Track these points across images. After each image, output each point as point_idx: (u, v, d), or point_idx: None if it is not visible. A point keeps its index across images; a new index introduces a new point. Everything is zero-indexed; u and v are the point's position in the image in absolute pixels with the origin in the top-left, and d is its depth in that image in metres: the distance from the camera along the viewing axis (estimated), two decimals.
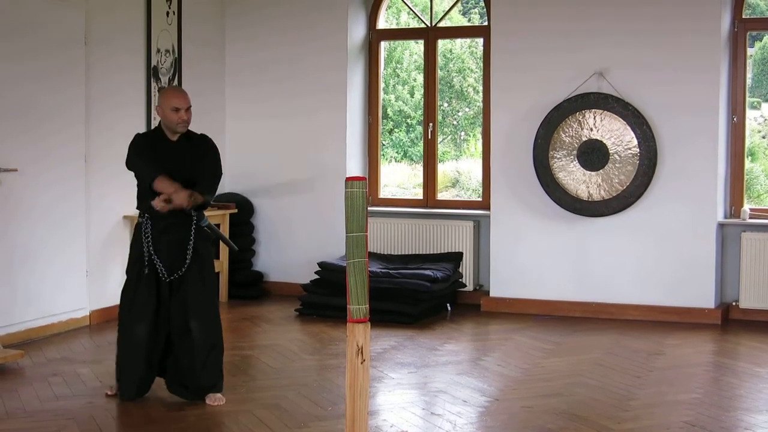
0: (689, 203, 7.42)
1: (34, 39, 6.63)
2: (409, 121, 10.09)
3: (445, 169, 9.37)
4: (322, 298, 7.63)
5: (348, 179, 3.46)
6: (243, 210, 8.56)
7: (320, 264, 7.86)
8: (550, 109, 7.63)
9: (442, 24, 8.61)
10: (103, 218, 7.32)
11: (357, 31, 8.58)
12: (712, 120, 7.36)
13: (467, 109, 10.00)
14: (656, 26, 7.45)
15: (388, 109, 9.92)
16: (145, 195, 5.18)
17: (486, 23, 8.30)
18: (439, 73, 8.77)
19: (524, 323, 7.41)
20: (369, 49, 8.73)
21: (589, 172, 7.56)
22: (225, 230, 8.29)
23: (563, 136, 7.60)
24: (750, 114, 8.02)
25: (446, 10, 8.73)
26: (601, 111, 7.50)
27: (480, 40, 8.80)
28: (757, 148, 8.52)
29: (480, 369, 5.99)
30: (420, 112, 9.14)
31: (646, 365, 6.05)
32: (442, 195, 8.84)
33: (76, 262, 7.05)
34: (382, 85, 8.87)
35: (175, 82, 8.03)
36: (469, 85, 9.87)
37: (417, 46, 9.73)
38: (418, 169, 8.97)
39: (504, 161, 7.91)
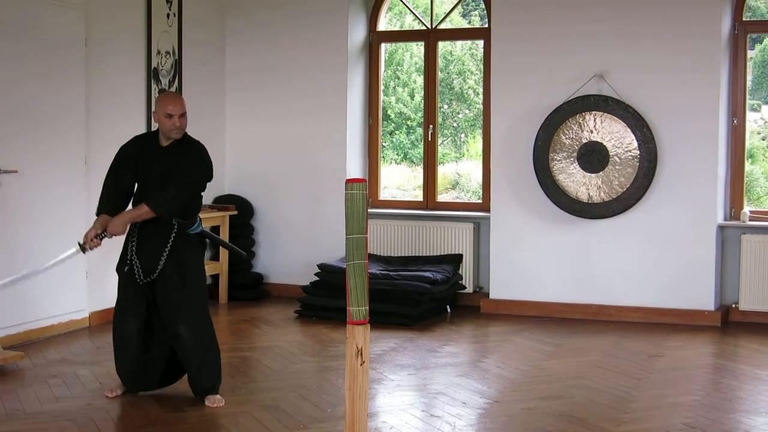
0: (689, 205, 7.43)
1: (35, 41, 6.63)
2: (409, 123, 10.10)
3: (445, 171, 9.38)
4: (322, 300, 7.63)
5: (348, 181, 3.46)
6: (243, 212, 8.57)
7: (320, 266, 7.86)
8: (550, 111, 7.63)
9: (442, 26, 8.62)
10: None
11: (357, 33, 8.58)
12: (712, 122, 7.36)
13: (467, 111, 10.00)
14: (656, 28, 7.46)
15: (389, 111, 9.92)
16: (141, 197, 5.21)
17: (486, 25, 8.30)
18: (440, 75, 8.77)
19: (524, 325, 7.41)
20: (369, 51, 8.73)
21: (589, 174, 7.56)
22: (225, 232, 8.29)
23: (563, 138, 7.61)
24: (750, 116, 8.03)
25: (447, 12, 8.73)
26: (601, 113, 7.50)
27: (480, 42, 8.81)
28: (757, 151, 8.53)
29: (479, 371, 5.99)
30: (420, 114, 9.14)
31: (645, 367, 6.05)
32: (442, 197, 8.84)
33: (76, 263, 7.04)
34: (382, 87, 8.87)
35: (176, 84, 8.03)
36: (469, 87, 9.87)
37: (417, 48, 9.74)
38: (418, 171, 8.97)
39: (504, 163, 7.91)
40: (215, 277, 8.32)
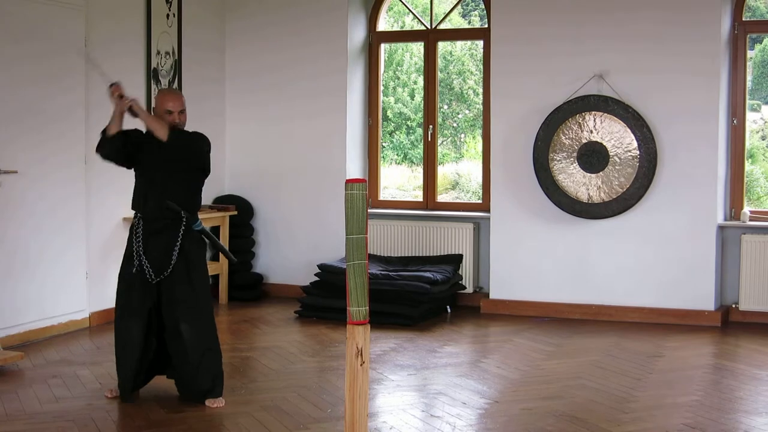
0: (689, 205, 7.43)
1: (35, 42, 6.63)
2: (409, 123, 10.10)
3: (445, 172, 9.38)
4: (322, 300, 7.63)
5: (348, 181, 3.46)
6: (243, 212, 8.57)
7: (320, 266, 7.86)
8: (550, 111, 7.63)
9: (442, 26, 8.62)
10: (103, 220, 7.32)
11: (357, 34, 8.58)
12: (712, 122, 7.36)
13: (467, 112, 10.00)
14: (656, 29, 7.46)
15: (388, 112, 9.92)
16: (135, 194, 5.24)
17: (486, 26, 8.30)
18: (439, 75, 8.77)
19: (524, 325, 7.41)
20: (369, 52, 8.73)
21: (589, 175, 7.56)
22: (225, 232, 8.29)
23: (563, 138, 7.61)
24: (750, 116, 8.03)
25: (446, 12, 8.73)
26: (601, 113, 7.50)
27: (480, 43, 8.81)
28: (757, 151, 8.53)
29: (479, 371, 5.99)
30: (420, 114, 9.14)
31: (645, 367, 6.05)
32: (442, 197, 8.84)
33: (76, 264, 7.05)
34: (382, 87, 8.87)
35: (175, 85, 8.04)
36: (469, 88, 9.88)
37: (417, 49, 9.74)
38: (418, 171, 8.97)
39: (504, 163, 7.91)
40: (215, 278, 8.32)
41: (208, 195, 7.57)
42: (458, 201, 9.07)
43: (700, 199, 7.41)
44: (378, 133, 8.79)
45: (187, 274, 5.18)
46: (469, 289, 8.15)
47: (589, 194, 7.58)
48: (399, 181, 9.65)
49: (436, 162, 8.59)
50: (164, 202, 5.15)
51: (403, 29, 9.70)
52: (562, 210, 7.68)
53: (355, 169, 8.57)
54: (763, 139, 8.72)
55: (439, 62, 8.78)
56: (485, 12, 8.41)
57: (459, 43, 9.79)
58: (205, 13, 8.57)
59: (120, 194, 7.35)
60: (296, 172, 8.66)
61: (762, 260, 7.35)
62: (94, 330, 7.09)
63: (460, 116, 10.08)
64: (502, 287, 7.94)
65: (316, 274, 7.87)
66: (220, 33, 8.80)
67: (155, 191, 5.18)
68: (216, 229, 8.32)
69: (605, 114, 7.49)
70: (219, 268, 8.22)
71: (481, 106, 8.67)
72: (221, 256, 8.25)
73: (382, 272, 7.66)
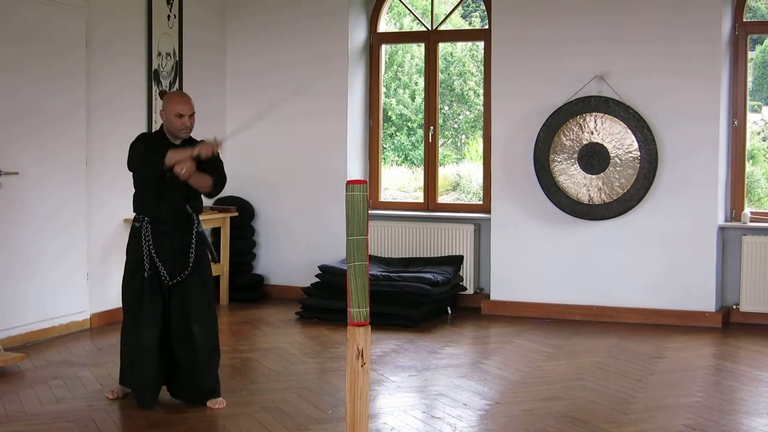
0: (690, 207, 7.42)
1: (36, 43, 6.64)
2: (409, 124, 10.11)
3: (445, 173, 9.38)
4: (323, 301, 7.63)
5: (349, 182, 3.47)
6: (244, 213, 8.58)
7: (321, 267, 7.86)
8: (550, 113, 7.63)
9: (442, 27, 8.62)
10: (104, 221, 7.32)
11: (358, 35, 8.58)
12: (713, 123, 7.36)
13: (468, 113, 10.01)
14: (657, 30, 7.46)
15: (389, 113, 9.93)
16: (145, 196, 5.18)
17: (487, 27, 8.30)
18: (440, 76, 8.77)
19: (525, 326, 7.41)
20: (370, 53, 8.74)
21: (589, 176, 7.56)
22: (226, 233, 8.29)
23: (564, 139, 7.61)
24: (751, 117, 8.03)
25: (447, 13, 8.73)
26: (601, 114, 7.50)
27: (481, 44, 8.81)
28: (758, 152, 8.53)
29: (480, 372, 5.99)
30: (421, 115, 9.14)
31: (646, 368, 6.05)
32: (442, 198, 8.85)
33: (77, 265, 7.06)
34: (383, 88, 8.87)
35: (176, 86, 8.04)
36: (469, 89, 9.88)
37: (418, 50, 9.75)
38: (419, 173, 8.98)
39: (505, 164, 7.91)
40: (216, 279, 8.31)
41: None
42: (459, 202, 9.07)
43: (700, 200, 7.41)
44: (379, 135, 8.79)
45: (199, 275, 5.19)
46: (470, 291, 8.15)
47: (589, 195, 7.58)
48: (400, 182, 9.65)
49: (436, 163, 8.59)
50: (181, 205, 5.15)
51: (404, 30, 9.70)
52: (563, 211, 7.68)
53: (355, 170, 8.57)
54: (764, 141, 8.73)
55: (440, 63, 8.79)
56: (486, 13, 8.41)
57: (460, 44, 9.80)
58: (206, 14, 8.58)
59: (121, 195, 7.35)
60: (297, 174, 8.66)
61: (763, 261, 7.35)
62: (94, 331, 7.10)
63: (460, 117, 10.09)
64: (502, 288, 7.94)
65: (316, 275, 7.87)
66: (221, 34, 8.80)
67: (170, 194, 5.15)
68: (217, 231, 8.32)
69: (606, 115, 7.49)
70: (220, 269, 8.22)
71: (481, 108, 8.67)
72: (221, 255, 8.25)
73: (383, 273, 7.67)
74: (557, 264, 7.78)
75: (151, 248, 5.12)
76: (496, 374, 5.93)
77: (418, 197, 8.83)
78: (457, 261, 8.03)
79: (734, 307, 7.53)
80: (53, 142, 6.82)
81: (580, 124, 7.56)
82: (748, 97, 7.67)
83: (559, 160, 7.63)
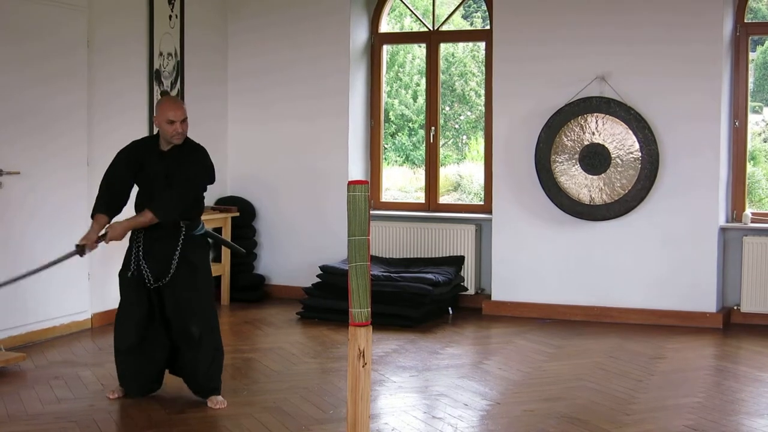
0: (691, 207, 7.43)
1: (37, 43, 6.64)
2: (411, 124, 10.11)
3: (446, 173, 9.38)
4: (324, 302, 7.63)
5: (350, 183, 3.47)
6: (245, 213, 8.58)
7: (322, 267, 7.87)
8: (552, 113, 7.63)
9: (444, 28, 8.62)
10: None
11: (359, 35, 8.59)
12: (714, 124, 7.36)
13: (469, 113, 10.01)
14: (658, 31, 7.46)
15: (390, 113, 9.93)
16: (142, 201, 5.23)
17: (488, 27, 8.31)
18: (441, 76, 8.77)
19: (526, 327, 7.41)
20: (371, 53, 8.74)
21: (591, 176, 7.57)
22: (227, 233, 8.29)
23: (565, 140, 7.61)
24: (752, 118, 8.03)
25: (448, 14, 8.73)
26: (603, 115, 7.50)
27: (482, 44, 8.81)
28: (759, 153, 8.53)
29: (481, 372, 5.99)
30: (422, 115, 9.14)
31: (647, 369, 6.05)
32: (443, 199, 8.84)
33: (78, 265, 7.03)
34: (384, 88, 8.87)
35: (178, 86, 8.04)
36: (471, 89, 9.88)
37: (419, 50, 9.75)
38: (420, 173, 8.98)
39: (506, 165, 7.92)
40: (217, 279, 8.31)
41: (210, 196, 7.56)
42: (460, 203, 9.07)
43: (701, 201, 7.41)
44: (380, 135, 8.80)
45: (193, 278, 5.20)
46: (471, 291, 8.15)
47: (590, 196, 7.58)
48: (401, 182, 9.65)
49: (438, 163, 8.59)
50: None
51: (405, 31, 9.70)
52: (564, 212, 7.68)
53: (357, 170, 8.57)
54: (765, 141, 8.72)
55: (441, 64, 8.79)
56: (487, 14, 8.41)
57: (461, 45, 9.79)
58: (207, 15, 8.58)
59: None
60: (298, 174, 8.66)
61: (764, 262, 7.35)
62: (96, 331, 7.10)
63: (462, 118, 10.08)
64: (503, 289, 7.94)
65: (318, 276, 7.87)
66: (223, 34, 8.80)
67: (157, 198, 5.19)
68: (218, 231, 8.31)
69: (607, 116, 7.49)
70: (221, 269, 8.22)
71: (483, 108, 8.67)
72: (223, 256, 8.25)
73: (384, 274, 7.67)
74: (558, 264, 7.78)
75: (140, 250, 5.18)
76: (497, 374, 5.93)
77: (419, 197, 8.83)
78: (458, 261, 8.03)
79: (735, 307, 7.53)
80: (54, 142, 6.82)
81: (582, 124, 7.56)
82: (749, 98, 7.67)
83: (560, 160, 7.63)
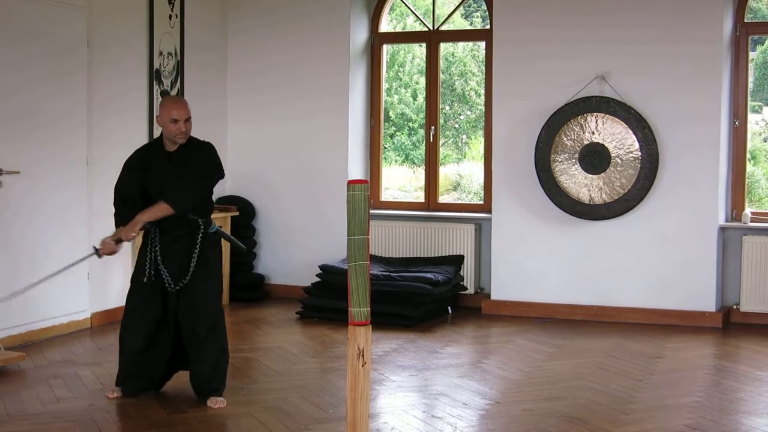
0: (690, 207, 7.43)
1: (37, 43, 6.64)
2: (410, 124, 10.10)
3: (446, 172, 9.38)
4: (324, 301, 7.63)
5: (350, 182, 3.47)
6: (244, 213, 8.58)
7: (321, 267, 7.87)
8: (551, 113, 7.64)
9: (444, 27, 8.62)
10: (105, 222, 7.25)
11: (359, 35, 8.59)
12: (714, 124, 7.36)
13: (469, 113, 10.00)
14: (658, 30, 7.46)
15: (390, 112, 9.93)
16: (147, 204, 5.20)
17: (488, 27, 8.31)
18: (441, 76, 8.78)
19: (525, 326, 7.41)
20: (371, 53, 8.74)
21: (590, 176, 7.57)
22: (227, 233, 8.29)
23: (565, 139, 7.61)
24: (751, 117, 8.03)
25: (448, 13, 8.73)
26: (602, 114, 7.50)
27: (482, 44, 8.81)
28: (759, 152, 8.53)
29: (481, 372, 5.99)
30: (422, 115, 9.15)
31: (647, 368, 6.06)
32: (443, 198, 8.85)
33: (78, 265, 7.04)
34: (384, 88, 8.88)
35: (178, 86, 8.04)
36: (471, 89, 9.88)
37: (419, 50, 9.75)
38: (420, 172, 8.98)
39: (506, 164, 7.92)
40: None
41: None
42: (460, 202, 9.07)
43: (701, 201, 7.42)
44: (380, 134, 8.80)
45: (207, 279, 5.21)
46: (471, 290, 8.15)
47: (590, 195, 7.58)
48: (401, 182, 9.65)
49: (437, 163, 8.59)
50: (183, 214, 5.16)
51: (405, 30, 9.70)
52: (564, 211, 7.68)
53: (356, 170, 8.58)
54: (765, 141, 8.72)
55: (441, 63, 8.79)
56: (487, 13, 8.41)
57: (461, 44, 9.79)
58: (207, 14, 8.58)
59: None
60: (298, 173, 8.66)
61: (763, 261, 7.35)
62: (95, 330, 7.10)
63: (461, 117, 10.08)
64: (503, 288, 7.94)
65: (317, 275, 7.87)
66: (223, 33, 8.80)
67: (169, 189, 5.17)
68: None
69: (607, 115, 7.49)
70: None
71: (482, 107, 8.67)
72: (222, 256, 8.25)
73: (384, 273, 7.67)
74: (558, 264, 7.78)
75: (157, 254, 5.15)
76: (496, 374, 5.93)
77: (419, 197, 8.83)
78: (457, 261, 8.04)
79: (734, 307, 7.53)
80: (54, 142, 6.82)
81: (581, 124, 7.56)
82: (749, 98, 7.67)
83: (560, 160, 7.63)
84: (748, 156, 7.77)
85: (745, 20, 7.59)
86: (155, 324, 5.21)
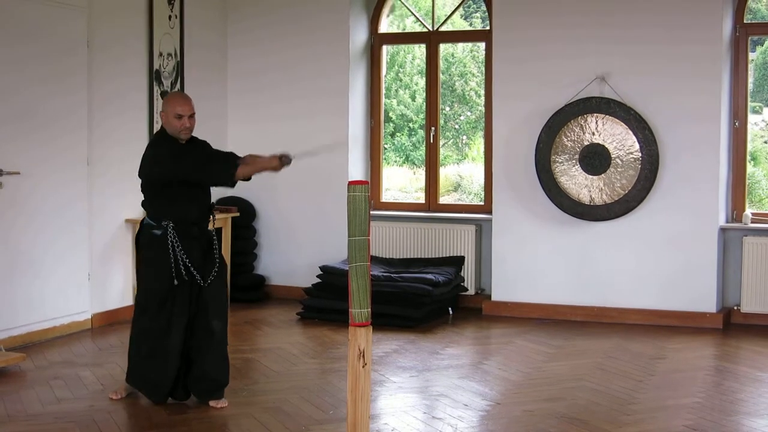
0: (691, 208, 7.43)
1: (38, 43, 6.64)
2: (411, 125, 10.10)
3: (447, 173, 9.38)
4: (324, 302, 7.63)
5: (350, 183, 3.47)
6: (245, 214, 8.57)
7: (322, 267, 7.87)
8: (552, 114, 7.63)
9: (443, 28, 8.62)
10: (106, 222, 7.33)
11: (359, 35, 8.59)
12: (714, 125, 7.36)
13: (469, 113, 10.00)
14: (658, 31, 7.46)
15: (390, 113, 9.93)
16: (174, 200, 5.09)
17: (488, 28, 8.31)
18: (441, 76, 8.77)
19: (526, 327, 7.41)
20: (371, 53, 8.74)
21: (591, 177, 7.57)
22: (227, 234, 8.29)
23: (565, 140, 7.61)
24: (751, 118, 8.03)
25: (448, 14, 8.73)
26: (603, 115, 7.50)
27: (482, 45, 8.81)
28: (759, 153, 8.53)
29: (481, 373, 5.99)
30: (422, 115, 9.15)
31: (647, 369, 6.06)
32: (444, 199, 8.84)
33: (79, 265, 7.06)
34: (384, 88, 8.87)
35: (178, 86, 8.04)
36: (471, 89, 9.88)
37: (419, 50, 9.75)
38: (420, 173, 8.98)
39: (506, 165, 7.92)
40: None
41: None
42: (460, 203, 9.07)
43: (701, 201, 7.41)
44: (380, 135, 8.80)
45: (221, 275, 5.24)
46: (471, 291, 8.15)
47: (590, 196, 7.58)
48: (401, 182, 9.65)
49: (438, 164, 8.59)
50: (208, 204, 5.22)
51: (405, 31, 9.70)
52: (564, 212, 7.68)
53: (357, 170, 8.57)
54: (765, 143, 8.72)
55: (441, 64, 8.79)
56: (487, 14, 8.41)
57: (461, 45, 9.79)
58: (207, 15, 8.58)
59: (122, 196, 7.36)
60: (298, 174, 8.63)
61: (764, 262, 7.35)
62: (95, 331, 7.10)
63: (461, 118, 10.08)
64: (503, 289, 7.94)
65: (318, 276, 7.87)
66: (223, 34, 8.80)
67: (201, 197, 5.19)
68: (218, 231, 8.30)
69: (607, 116, 7.49)
70: None
71: (482, 108, 8.67)
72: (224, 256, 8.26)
73: (384, 274, 7.67)
74: (558, 265, 7.78)
75: (183, 254, 5.07)
76: (497, 375, 5.93)
77: (420, 198, 8.83)
78: (458, 262, 8.03)
79: (735, 308, 7.53)
80: (55, 142, 6.82)
81: (582, 125, 7.56)
82: (749, 99, 7.67)
83: (560, 160, 7.63)
84: (749, 157, 7.77)
85: (745, 21, 7.59)
86: (186, 327, 5.16)
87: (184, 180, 5.08)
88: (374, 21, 8.71)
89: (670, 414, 5.06)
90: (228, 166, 5.10)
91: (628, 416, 5.02)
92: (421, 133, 9.17)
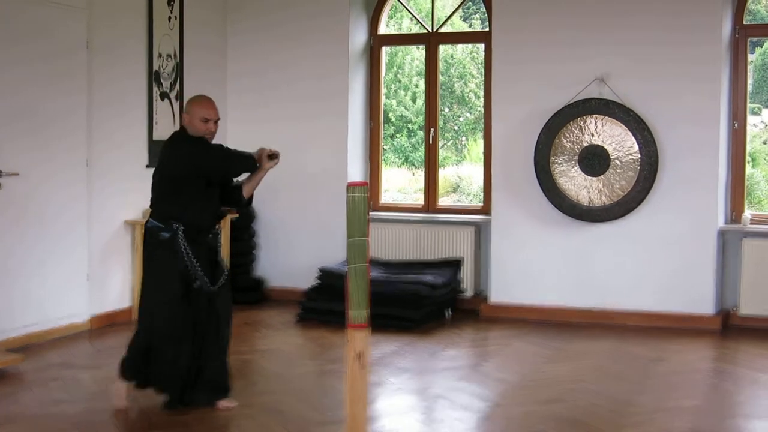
0: (690, 209, 7.42)
1: (37, 44, 6.64)
2: (410, 126, 10.12)
3: (446, 175, 9.39)
4: (323, 304, 7.63)
5: (350, 184, 3.47)
6: (244, 215, 8.56)
7: (321, 269, 7.87)
8: (551, 115, 7.63)
9: (443, 29, 8.62)
10: (105, 223, 7.32)
11: (358, 37, 8.59)
12: (713, 126, 7.36)
13: (468, 114, 10.02)
14: (657, 33, 7.46)
15: (390, 114, 9.94)
16: (190, 203, 5.04)
17: (487, 29, 8.31)
18: (441, 78, 8.78)
19: (524, 329, 7.41)
20: (370, 55, 8.74)
21: (590, 178, 7.57)
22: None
23: (564, 141, 7.61)
24: (751, 120, 8.03)
25: (448, 15, 8.73)
26: (602, 116, 7.50)
27: (481, 46, 8.81)
28: (758, 154, 8.53)
29: (480, 375, 5.99)
30: (421, 117, 9.15)
31: (646, 371, 6.05)
32: (443, 200, 8.84)
33: (77, 267, 7.05)
34: (383, 90, 8.87)
35: (177, 87, 8.04)
36: (470, 91, 9.89)
37: (418, 52, 9.75)
38: (419, 175, 8.98)
39: (505, 166, 7.92)
40: None
41: None
42: (459, 204, 9.07)
43: (700, 203, 7.41)
44: (379, 136, 8.80)
45: (227, 279, 5.25)
46: (470, 293, 8.14)
47: (590, 198, 7.58)
48: (400, 184, 9.66)
49: (437, 165, 8.59)
50: (219, 208, 5.22)
51: (405, 32, 9.70)
52: (563, 213, 7.68)
53: (356, 172, 8.57)
54: (764, 144, 8.73)
55: (441, 65, 8.79)
56: (486, 15, 8.41)
57: (460, 46, 9.80)
58: (207, 16, 8.58)
59: (121, 197, 7.36)
60: (297, 175, 8.65)
61: (762, 264, 7.34)
62: (94, 333, 7.10)
63: (461, 119, 10.09)
64: (502, 291, 7.93)
65: (317, 278, 7.87)
66: (222, 35, 8.80)
67: (213, 202, 5.17)
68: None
69: (606, 117, 7.49)
70: None
71: (482, 109, 8.67)
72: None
73: (383, 275, 7.67)
74: (557, 266, 7.78)
75: (193, 259, 5.03)
76: (495, 377, 5.93)
77: (419, 199, 8.83)
78: (456, 263, 8.03)
79: (733, 310, 7.52)
80: (54, 144, 6.82)
81: (581, 126, 7.56)
82: (748, 100, 7.67)
83: (559, 162, 7.63)
84: (748, 158, 7.77)
85: (744, 22, 7.59)
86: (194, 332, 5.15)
87: (225, 174, 5.19)
88: (374, 22, 8.71)
89: (668, 416, 5.06)
90: (250, 156, 5.20)
91: (626, 418, 5.02)
92: (420, 134, 9.18)
